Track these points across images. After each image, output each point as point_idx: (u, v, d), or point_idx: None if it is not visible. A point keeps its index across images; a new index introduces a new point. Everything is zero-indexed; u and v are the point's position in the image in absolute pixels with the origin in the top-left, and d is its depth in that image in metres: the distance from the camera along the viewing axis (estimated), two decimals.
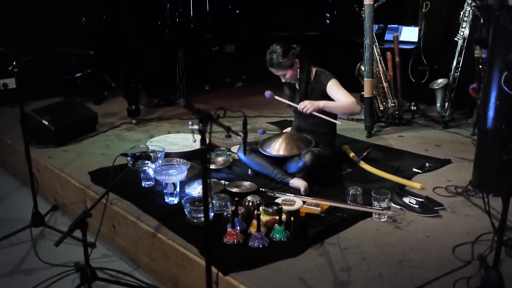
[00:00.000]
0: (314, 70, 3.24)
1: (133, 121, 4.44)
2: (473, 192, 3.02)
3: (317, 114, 3.14)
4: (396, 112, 4.39)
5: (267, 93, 3.22)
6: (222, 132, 2.63)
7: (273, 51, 3.13)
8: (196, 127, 1.69)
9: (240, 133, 2.16)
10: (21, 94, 3.01)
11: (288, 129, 3.48)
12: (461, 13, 4.23)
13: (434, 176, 3.31)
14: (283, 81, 3.24)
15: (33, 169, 3.11)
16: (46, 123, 3.82)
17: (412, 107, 4.58)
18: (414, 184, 3.11)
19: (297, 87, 3.30)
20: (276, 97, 3.25)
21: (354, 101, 3.15)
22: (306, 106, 3.11)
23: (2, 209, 3.53)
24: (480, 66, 3.93)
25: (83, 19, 5.04)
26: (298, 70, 3.20)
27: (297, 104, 3.20)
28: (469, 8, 4.15)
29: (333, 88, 3.17)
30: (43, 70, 4.76)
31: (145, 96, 5.04)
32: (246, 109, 4.79)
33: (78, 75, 4.84)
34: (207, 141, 1.72)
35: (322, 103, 3.14)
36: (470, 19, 4.17)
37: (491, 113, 2.90)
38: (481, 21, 3.02)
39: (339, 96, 3.16)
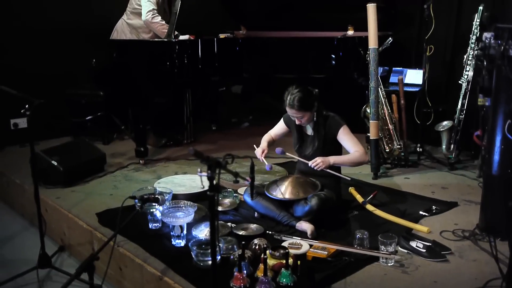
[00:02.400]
0: (324, 113, 3.29)
1: (141, 161, 4.48)
2: (480, 236, 3.00)
3: (328, 170, 3.18)
4: (402, 154, 4.41)
5: (278, 150, 3.27)
6: (229, 174, 2.67)
7: (293, 92, 3.14)
8: (204, 173, 1.72)
9: (248, 178, 2.18)
10: (32, 136, 3.07)
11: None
12: (465, 56, 4.31)
13: (441, 219, 3.30)
14: (297, 122, 3.28)
15: (41, 209, 3.13)
16: (55, 163, 3.86)
17: (417, 149, 4.60)
18: (421, 228, 3.10)
19: (308, 131, 3.35)
20: (287, 154, 3.29)
21: (363, 152, 3.21)
22: (318, 164, 3.14)
23: (9, 249, 3.53)
24: (484, 110, 3.97)
25: (94, 60, 5.16)
26: (315, 113, 3.24)
27: (310, 149, 3.30)
28: (473, 52, 4.22)
29: (344, 136, 3.23)
30: (54, 111, 4.83)
31: (152, 136, 5.09)
32: (252, 149, 4.81)
33: (88, 118, 4.94)
34: (216, 187, 1.75)
35: (332, 160, 3.18)
36: (473, 62, 4.24)
37: (496, 157, 2.92)
38: (484, 70, 3.08)
39: (349, 145, 3.24)
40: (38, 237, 3.12)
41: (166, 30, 4.48)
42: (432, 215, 3.35)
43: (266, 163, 3.25)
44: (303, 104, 3.13)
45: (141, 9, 4.65)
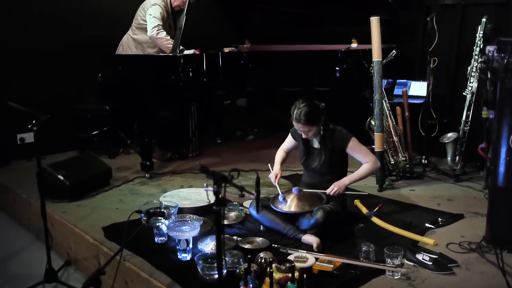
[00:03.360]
0: (331, 126, 3.30)
1: (146, 175, 4.50)
2: (487, 248, 2.99)
3: (346, 192, 3.24)
4: (407, 166, 4.41)
5: (295, 190, 3.26)
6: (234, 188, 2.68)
7: (300, 107, 3.16)
8: (210, 188, 1.73)
9: (253, 192, 2.19)
10: (38, 151, 3.09)
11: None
12: (469, 68, 4.32)
13: (447, 231, 3.29)
14: (303, 136, 3.29)
15: (47, 224, 3.14)
16: (62, 178, 3.88)
17: (423, 161, 4.60)
18: (427, 240, 3.09)
19: (314, 144, 3.36)
20: (304, 190, 3.28)
21: (374, 160, 3.28)
22: (335, 190, 3.18)
23: (16, 264, 3.54)
24: (488, 123, 3.98)
25: (99, 75, 5.20)
26: (322, 127, 3.26)
27: (317, 162, 3.31)
28: (476, 64, 4.24)
29: (355, 149, 3.26)
30: (60, 126, 4.86)
31: (158, 149, 5.11)
32: (257, 162, 4.83)
33: (95, 132, 4.97)
34: (222, 201, 1.76)
35: (347, 181, 3.24)
36: (477, 74, 4.25)
37: (501, 169, 2.91)
38: (488, 83, 3.09)
39: (360, 157, 3.28)
40: (45, 252, 3.13)
41: (171, 45, 4.52)
42: (438, 227, 3.34)
43: (280, 193, 3.24)
44: (309, 118, 3.15)
45: (146, 24, 4.70)
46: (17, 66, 5.02)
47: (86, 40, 5.34)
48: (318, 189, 3.26)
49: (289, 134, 3.51)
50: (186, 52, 4.48)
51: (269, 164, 3.49)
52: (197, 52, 4.49)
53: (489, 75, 2.99)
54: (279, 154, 3.55)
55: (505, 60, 2.58)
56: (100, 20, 5.42)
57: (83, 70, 5.28)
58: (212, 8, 5.85)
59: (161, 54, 4.75)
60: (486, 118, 4.02)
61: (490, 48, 2.67)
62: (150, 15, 4.64)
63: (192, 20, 4.50)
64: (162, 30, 4.62)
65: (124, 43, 4.98)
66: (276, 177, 3.37)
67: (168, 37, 4.62)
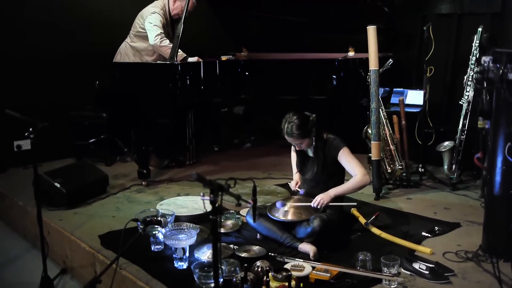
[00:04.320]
0: (324, 136, 3.31)
1: (143, 183, 4.49)
2: (483, 257, 2.99)
3: (332, 204, 3.20)
4: (404, 174, 4.41)
5: (278, 203, 3.24)
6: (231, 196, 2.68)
7: (291, 120, 3.17)
8: (207, 197, 1.74)
9: (250, 201, 2.19)
10: (35, 159, 3.09)
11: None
12: (465, 77, 4.34)
13: (443, 240, 3.30)
14: (297, 148, 3.30)
15: (43, 231, 3.14)
16: (58, 185, 3.88)
17: (419, 169, 4.61)
18: (423, 249, 3.09)
19: (310, 154, 3.36)
20: (288, 204, 3.26)
21: (362, 173, 3.22)
22: (320, 202, 3.15)
23: (11, 272, 3.52)
24: (484, 133, 4.00)
25: (97, 82, 5.20)
26: (314, 138, 3.26)
27: (310, 173, 3.33)
28: (472, 73, 4.26)
29: (345, 159, 3.25)
30: (57, 133, 4.85)
31: (155, 157, 5.11)
32: (255, 170, 4.84)
33: (92, 140, 4.97)
34: (218, 210, 1.76)
35: (332, 193, 3.20)
36: (473, 83, 4.27)
37: (497, 178, 2.93)
38: (483, 93, 3.11)
39: (349, 168, 3.26)
40: (41, 260, 3.12)
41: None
42: (435, 236, 3.34)
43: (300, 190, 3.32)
44: (300, 131, 3.16)
45: (144, 32, 4.71)
46: (14, 73, 5.02)
47: (84, 48, 5.35)
48: (314, 196, 3.26)
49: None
50: (190, 59, 4.49)
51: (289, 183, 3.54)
52: (200, 60, 4.49)
53: (485, 85, 3.00)
54: (296, 166, 3.54)
55: (501, 71, 2.60)
56: (97, 27, 5.43)
57: (80, 77, 5.28)
58: (210, 16, 5.87)
59: (158, 62, 4.76)
60: (482, 128, 4.04)
61: (485, 59, 2.69)
62: (151, 23, 4.64)
63: (190, 28, 4.51)
64: (165, 38, 4.63)
65: (122, 50, 4.99)
66: (296, 184, 3.44)
67: (172, 45, 4.62)
